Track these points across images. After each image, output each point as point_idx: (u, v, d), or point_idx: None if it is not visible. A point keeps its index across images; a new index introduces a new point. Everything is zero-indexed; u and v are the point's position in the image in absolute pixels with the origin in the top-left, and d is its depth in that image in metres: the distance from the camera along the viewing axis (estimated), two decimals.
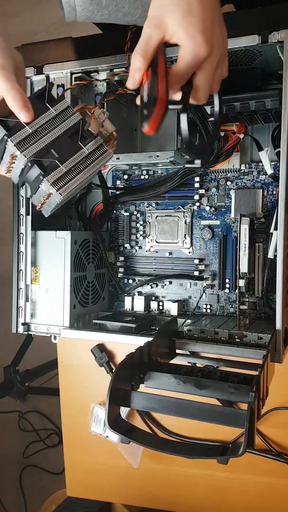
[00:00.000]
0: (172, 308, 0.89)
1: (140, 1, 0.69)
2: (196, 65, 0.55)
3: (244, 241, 0.77)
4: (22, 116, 0.61)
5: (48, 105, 0.64)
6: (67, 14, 0.68)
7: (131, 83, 0.57)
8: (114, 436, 1.01)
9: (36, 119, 0.63)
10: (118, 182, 0.97)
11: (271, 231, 0.78)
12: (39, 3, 2.18)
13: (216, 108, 0.62)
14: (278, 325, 0.67)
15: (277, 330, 0.67)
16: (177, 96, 0.56)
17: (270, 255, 0.78)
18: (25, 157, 0.62)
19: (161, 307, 0.92)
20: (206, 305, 0.90)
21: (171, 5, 0.53)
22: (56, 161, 0.63)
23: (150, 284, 0.94)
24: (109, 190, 0.95)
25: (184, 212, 0.91)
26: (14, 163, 0.65)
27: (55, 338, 0.87)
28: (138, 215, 0.96)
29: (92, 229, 0.94)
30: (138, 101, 0.57)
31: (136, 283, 0.95)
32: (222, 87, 0.78)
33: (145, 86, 0.55)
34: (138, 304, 0.91)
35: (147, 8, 0.70)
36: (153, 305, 0.92)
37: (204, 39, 0.53)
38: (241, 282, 0.78)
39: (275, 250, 0.72)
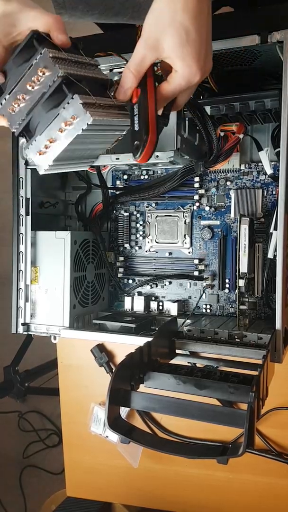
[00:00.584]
0: (172, 308, 0.89)
1: (130, 2, 0.69)
2: (186, 88, 0.58)
3: (244, 241, 0.77)
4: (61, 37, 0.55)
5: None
6: (57, 14, 0.68)
7: (122, 96, 0.58)
8: (114, 436, 1.01)
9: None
10: (118, 182, 0.97)
11: (271, 231, 0.78)
12: (38, 3, 2.18)
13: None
14: (278, 325, 0.67)
15: (277, 330, 0.67)
16: (159, 111, 0.59)
17: (270, 255, 0.78)
18: (60, 71, 0.53)
19: (161, 307, 0.92)
20: (206, 305, 0.90)
21: (169, 29, 0.53)
22: (87, 90, 0.55)
23: (150, 284, 0.94)
24: (109, 190, 0.95)
25: (184, 212, 0.91)
26: (24, 98, 0.56)
27: (55, 338, 0.87)
28: (138, 215, 0.96)
29: (92, 229, 0.94)
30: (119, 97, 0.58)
31: (136, 283, 0.95)
32: (222, 87, 0.78)
33: (135, 107, 0.56)
34: (138, 304, 0.91)
35: (138, 9, 0.70)
36: (153, 305, 0.92)
37: (199, 68, 0.55)
38: (241, 282, 0.78)
39: (275, 250, 0.72)
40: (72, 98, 0.54)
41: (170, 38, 0.53)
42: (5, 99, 0.57)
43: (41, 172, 0.60)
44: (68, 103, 0.54)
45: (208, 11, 0.55)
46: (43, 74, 0.54)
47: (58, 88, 0.54)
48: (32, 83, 0.55)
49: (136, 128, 0.56)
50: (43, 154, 0.58)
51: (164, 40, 0.54)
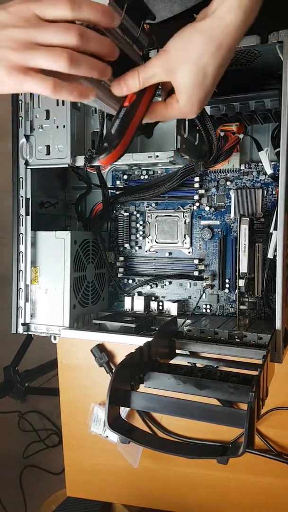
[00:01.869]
0: (172, 308, 0.89)
1: None
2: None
3: (244, 241, 0.77)
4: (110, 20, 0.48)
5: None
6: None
7: (119, 92, 0.56)
8: (114, 436, 1.01)
9: None
10: (118, 182, 0.97)
11: (270, 231, 0.78)
12: None
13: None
14: (278, 325, 0.67)
15: (277, 330, 0.67)
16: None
17: (270, 255, 0.78)
18: None
19: (161, 307, 0.92)
20: (206, 305, 0.90)
21: (191, 66, 0.53)
22: None
23: (150, 284, 0.94)
24: (109, 190, 0.95)
25: (184, 212, 0.91)
26: None
27: (55, 338, 0.87)
28: (138, 215, 0.96)
29: (92, 229, 0.94)
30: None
31: (136, 283, 0.95)
32: (222, 87, 0.78)
33: (122, 110, 0.56)
34: (138, 304, 0.92)
35: None
36: (153, 305, 0.92)
37: (198, 110, 0.57)
38: (241, 282, 0.78)
39: (275, 250, 0.72)
40: None
41: (188, 74, 0.53)
42: None
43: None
44: None
45: (227, 64, 0.55)
46: None
47: None
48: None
49: (113, 131, 0.56)
50: None
51: (182, 72, 0.53)
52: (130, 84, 0.55)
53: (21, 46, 0.45)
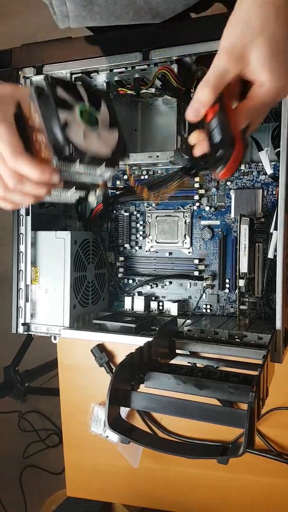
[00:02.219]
0: (172, 308, 0.89)
1: (131, 4, 0.69)
2: (267, 106, 0.52)
3: (244, 241, 0.77)
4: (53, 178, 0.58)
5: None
6: (61, 21, 0.68)
7: (194, 116, 0.52)
8: (114, 436, 1.01)
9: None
10: (118, 182, 0.97)
11: (271, 231, 0.78)
12: (39, 3, 2.18)
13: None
14: (278, 325, 0.67)
15: (277, 330, 0.67)
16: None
17: (270, 255, 0.78)
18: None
19: (161, 307, 0.92)
20: (206, 305, 0.90)
21: (259, 39, 0.48)
22: None
23: (150, 284, 0.94)
24: (109, 190, 0.95)
25: (184, 212, 0.91)
26: None
27: (55, 338, 0.87)
28: (138, 215, 0.96)
29: (92, 229, 0.94)
30: (193, 140, 0.54)
31: (136, 283, 0.95)
32: None
33: (212, 122, 0.51)
34: (138, 304, 0.92)
35: (138, 11, 0.69)
36: (153, 305, 0.92)
37: (286, 80, 0.50)
38: (241, 282, 0.78)
39: (275, 250, 0.72)
40: None
41: (259, 49, 0.48)
42: None
43: None
44: None
45: None
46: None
47: None
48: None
49: (217, 140, 0.50)
50: None
51: (252, 51, 0.49)
52: (204, 96, 0.51)
53: None
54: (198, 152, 0.55)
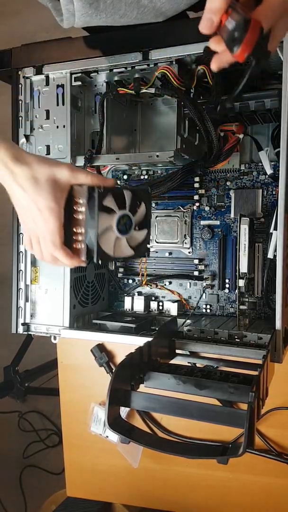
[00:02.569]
0: (172, 308, 0.89)
1: (136, 3, 0.69)
2: (280, 14, 0.51)
3: (244, 241, 0.77)
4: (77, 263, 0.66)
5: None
6: (66, 20, 0.68)
7: (207, 27, 0.50)
8: (114, 436, 1.01)
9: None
10: (118, 182, 0.97)
11: (270, 231, 0.78)
12: (39, 3, 2.18)
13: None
14: (278, 325, 0.67)
15: (276, 330, 0.67)
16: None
17: (270, 255, 0.78)
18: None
19: (161, 307, 0.92)
20: (206, 305, 0.90)
21: None
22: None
23: (150, 284, 0.94)
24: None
25: (184, 212, 0.91)
26: None
27: (55, 338, 0.87)
28: None
29: None
30: (214, 46, 0.53)
31: (136, 283, 0.95)
32: (221, 87, 0.78)
33: (226, 23, 0.49)
34: (138, 304, 0.92)
35: (143, 9, 0.70)
36: (153, 305, 0.92)
37: None
38: (241, 282, 0.78)
39: (275, 250, 0.72)
40: None
41: None
42: None
43: None
44: None
45: None
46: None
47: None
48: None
49: (232, 26, 0.49)
50: None
51: None
52: (217, 4, 0.49)
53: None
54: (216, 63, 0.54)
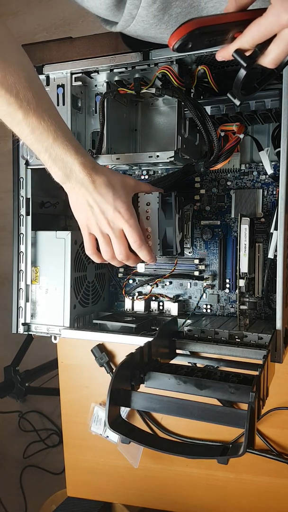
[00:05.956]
0: (172, 308, 0.89)
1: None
2: (274, 30, 0.50)
3: (244, 241, 0.77)
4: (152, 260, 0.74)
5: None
6: (123, 22, 0.65)
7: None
8: (114, 436, 1.01)
9: None
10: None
11: (271, 231, 0.78)
12: (39, 3, 2.19)
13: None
14: (278, 325, 0.67)
15: (277, 330, 0.67)
16: (248, 52, 0.53)
17: (270, 255, 0.78)
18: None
19: (161, 307, 0.92)
20: (206, 305, 0.90)
21: None
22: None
23: (150, 284, 0.94)
24: None
25: (184, 212, 0.91)
26: None
27: (55, 338, 0.87)
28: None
29: None
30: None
31: (136, 283, 0.95)
32: (222, 87, 0.78)
33: None
34: (138, 304, 0.91)
35: None
36: (153, 305, 0.92)
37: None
38: (241, 282, 0.78)
39: (275, 250, 0.72)
40: None
41: None
42: None
43: None
44: None
45: None
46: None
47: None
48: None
49: None
50: None
51: None
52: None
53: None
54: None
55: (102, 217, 0.69)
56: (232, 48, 0.53)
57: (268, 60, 0.52)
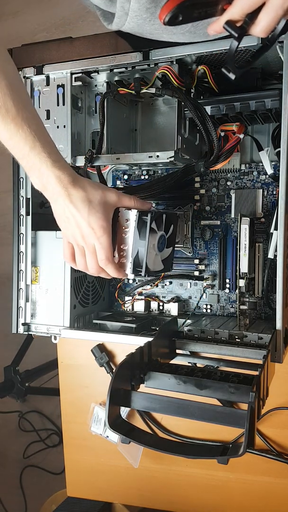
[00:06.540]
0: (172, 308, 0.89)
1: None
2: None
3: (244, 241, 0.77)
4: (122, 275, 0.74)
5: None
6: (118, 18, 0.65)
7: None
8: (114, 436, 1.01)
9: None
10: (118, 182, 0.97)
11: (271, 231, 0.78)
12: (39, 3, 2.19)
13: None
14: (278, 325, 0.67)
15: (277, 330, 0.67)
16: (238, 23, 0.53)
17: (270, 255, 0.78)
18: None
19: (161, 307, 0.92)
20: (206, 305, 0.90)
21: None
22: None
23: (150, 284, 0.94)
24: None
25: (184, 212, 0.91)
26: None
27: (55, 338, 0.87)
28: None
29: None
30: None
31: (137, 283, 0.95)
32: (222, 87, 0.78)
33: None
34: (138, 304, 0.91)
35: (194, 29, 0.68)
36: (153, 305, 0.92)
37: None
38: (241, 282, 0.78)
39: (275, 250, 0.72)
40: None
41: None
42: None
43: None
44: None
45: None
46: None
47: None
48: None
49: None
50: None
51: None
52: None
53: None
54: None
55: (77, 231, 0.69)
56: (222, 20, 0.52)
57: (259, 29, 0.52)
